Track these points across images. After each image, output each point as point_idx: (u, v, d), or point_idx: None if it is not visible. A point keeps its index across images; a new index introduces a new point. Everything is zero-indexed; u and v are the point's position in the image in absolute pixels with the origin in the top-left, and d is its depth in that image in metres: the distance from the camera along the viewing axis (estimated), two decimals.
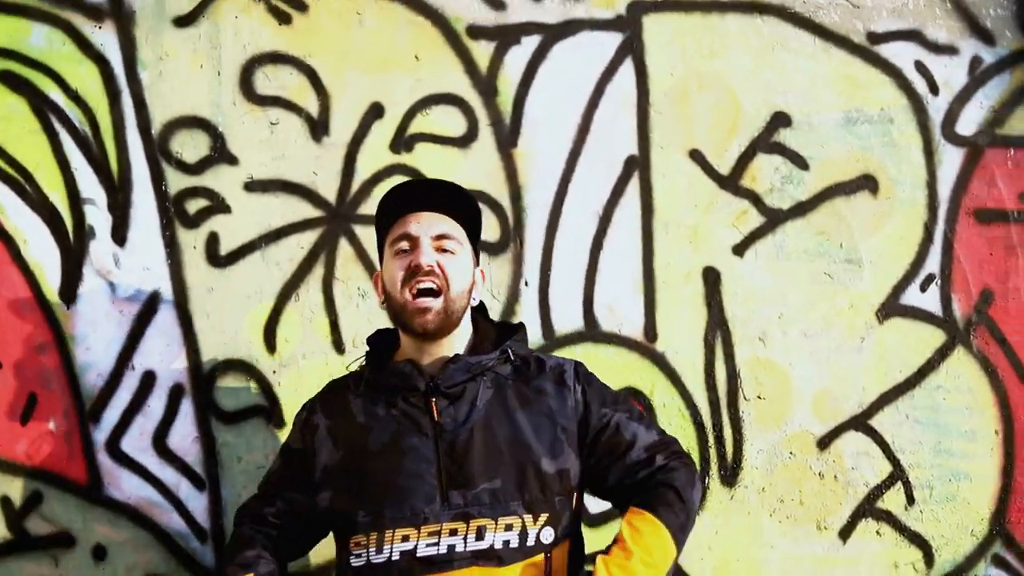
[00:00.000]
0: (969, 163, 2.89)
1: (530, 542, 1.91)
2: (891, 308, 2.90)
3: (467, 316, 2.05)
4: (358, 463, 1.94)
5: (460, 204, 2.04)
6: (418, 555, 1.87)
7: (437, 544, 1.88)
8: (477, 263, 2.08)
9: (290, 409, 2.70)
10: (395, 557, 1.88)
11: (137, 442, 2.76)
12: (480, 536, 1.88)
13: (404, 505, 1.88)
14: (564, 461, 1.95)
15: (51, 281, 2.75)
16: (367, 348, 2.11)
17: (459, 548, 1.88)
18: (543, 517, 1.93)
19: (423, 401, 1.94)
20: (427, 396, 1.94)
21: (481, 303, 2.15)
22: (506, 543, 1.89)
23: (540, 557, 1.92)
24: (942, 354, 2.89)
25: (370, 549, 1.90)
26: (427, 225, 1.97)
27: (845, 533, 2.91)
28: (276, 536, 2.09)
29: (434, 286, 1.92)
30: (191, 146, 2.75)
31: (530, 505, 1.91)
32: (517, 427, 1.94)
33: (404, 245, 1.96)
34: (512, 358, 2.01)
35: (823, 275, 2.87)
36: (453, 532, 1.88)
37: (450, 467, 1.91)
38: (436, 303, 1.93)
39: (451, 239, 1.98)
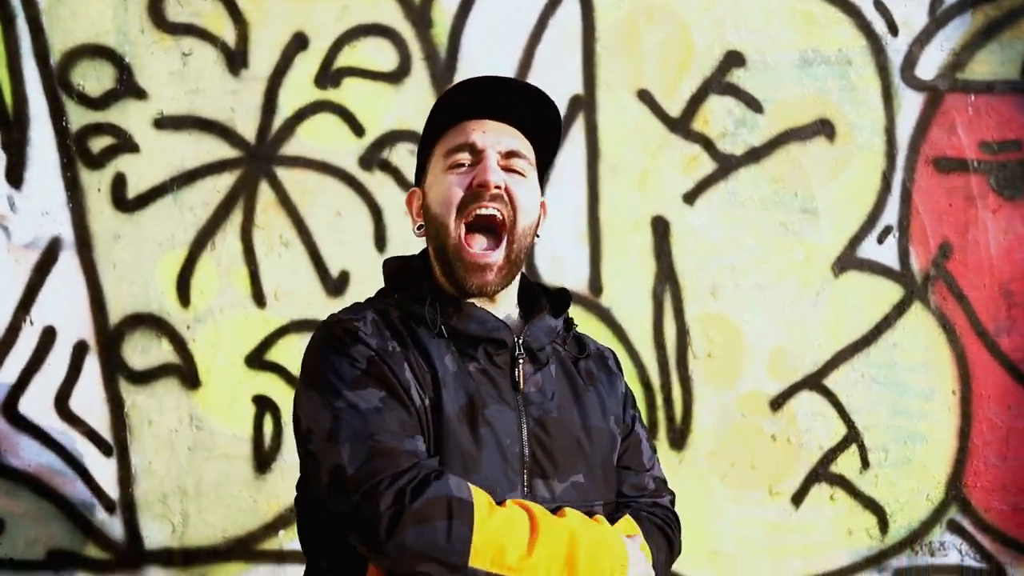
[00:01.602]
0: (929, 109, 2.91)
1: None
2: (848, 261, 2.93)
3: None
4: (433, 421, 1.53)
5: (540, 118, 1.65)
6: None
7: None
8: (543, 192, 1.73)
9: (206, 367, 2.63)
10: None
11: (37, 404, 2.68)
12: None
13: (477, 485, 1.49)
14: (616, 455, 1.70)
15: None
16: (394, 275, 1.71)
17: None
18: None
19: (509, 361, 1.61)
20: (514, 355, 1.60)
21: None
22: None
23: None
24: (899, 310, 2.92)
25: None
26: (495, 137, 1.60)
27: (798, 498, 2.94)
28: None
29: (498, 214, 1.56)
30: (95, 78, 2.68)
31: (606, 504, 1.64)
32: (586, 411, 1.65)
33: (463, 157, 1.59)
34: (569, 329, 1.73)
35: (778, 225, 2.89)
36: None
37: (536, 451, 1.57)
38: (498, 257, 1.57)
39: (522, 158, 1.61)
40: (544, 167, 1.72)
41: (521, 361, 1.60)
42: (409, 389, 1.52)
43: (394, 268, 1.70)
